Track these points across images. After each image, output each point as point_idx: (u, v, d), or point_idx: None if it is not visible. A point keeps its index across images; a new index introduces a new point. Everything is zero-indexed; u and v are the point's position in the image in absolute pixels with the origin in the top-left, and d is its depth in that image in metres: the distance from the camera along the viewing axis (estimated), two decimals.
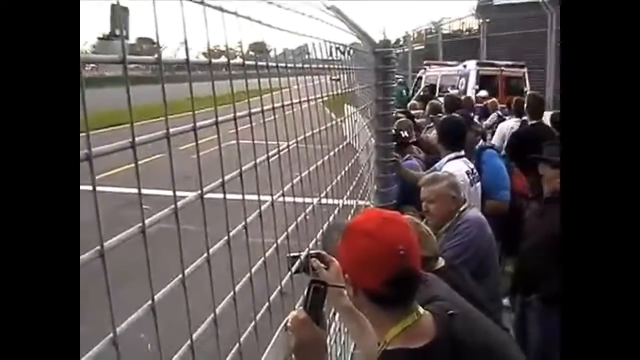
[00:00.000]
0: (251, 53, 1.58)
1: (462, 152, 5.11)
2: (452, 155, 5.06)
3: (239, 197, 1.35)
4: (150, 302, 1.00)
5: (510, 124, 9.43)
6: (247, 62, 1.53)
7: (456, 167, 4.70)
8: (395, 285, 1.67)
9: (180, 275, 1.08)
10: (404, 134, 6.20)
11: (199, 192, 1.14)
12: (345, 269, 1.80)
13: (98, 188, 0.88)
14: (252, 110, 1.50)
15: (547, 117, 10.30)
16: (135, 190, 0.98)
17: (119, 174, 7.15)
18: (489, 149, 5.91)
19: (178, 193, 1.08)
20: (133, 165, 0.98)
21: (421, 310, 1.77)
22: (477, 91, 16.08)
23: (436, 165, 5.02)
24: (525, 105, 9.55)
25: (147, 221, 0.95)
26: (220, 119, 1.26)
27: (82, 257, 0.82)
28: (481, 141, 6.14)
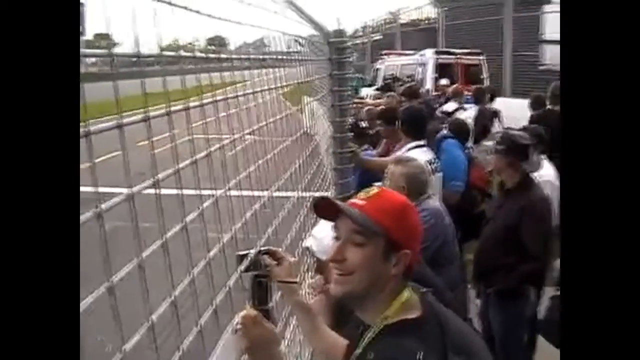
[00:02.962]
0: (210, 47, 1.54)
1: (423, 142, 5.12)
2: (413, 144, 5.07)
3: (182, 192, 1.30)
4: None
5: (471, 113, 9.49)
6: (199, 55, 1.50)
7: (416, 156, 4.68)
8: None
9: (107, 282, 1.01)
10: (363, 124, 6.19)
11: (130, 190, 1.07)
12: (409, 243, 1.79)
13: None
14: (204, 102, 1.44)
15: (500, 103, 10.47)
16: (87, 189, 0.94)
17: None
18: (450, 138, 5.92)
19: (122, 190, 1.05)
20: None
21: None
22: (437, 80, 16.15)
23: (397, 154, 5.01)
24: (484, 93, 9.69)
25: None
26: (153, 113, 1.19)
27: None
28: (443, 130, 6.13)
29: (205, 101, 1.46)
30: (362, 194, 1.84)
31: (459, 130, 6.31)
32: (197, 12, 1.39)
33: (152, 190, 1.18)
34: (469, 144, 6.56)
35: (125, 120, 1.03)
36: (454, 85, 13.29)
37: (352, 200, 1.83)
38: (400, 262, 1.75)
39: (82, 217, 0.91)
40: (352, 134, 4.36)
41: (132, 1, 1.08)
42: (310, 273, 2.94)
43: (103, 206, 0.96)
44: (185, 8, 1.33)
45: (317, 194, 3.43)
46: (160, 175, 1.20)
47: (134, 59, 1.16)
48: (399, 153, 4.99)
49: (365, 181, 5.14)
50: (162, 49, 1.27)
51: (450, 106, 10.32)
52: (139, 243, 1.11)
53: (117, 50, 1.06)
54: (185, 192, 1.31)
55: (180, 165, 1.28)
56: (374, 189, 1.85)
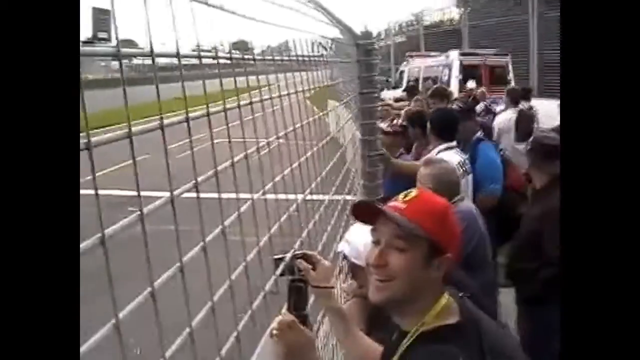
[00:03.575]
0: (234, 51, 1.53)
1: (454, 143, 5.06)
2: (443, 146, 5.01)
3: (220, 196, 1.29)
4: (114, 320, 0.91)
5: (509, 115, 9.39)
6: (234, 57, 1.50)
7: (447, 158, 4.63)
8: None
9: (149, 288, 1.00)
10: (397, 121, 6.14)
11: (169, 194, 1.05)
12: (450, 248, 1.76)
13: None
14: (229, 106, 1.42)
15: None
16: (118, 192, 0.93)
17: (102, 176, 7.08)
18: (486, 141, 5.84)
19: (159, 194, 1.03)
20: (116, 167, 0.92)
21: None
22: (464, 81, 16.03)
23: (427, 156, 4.96)
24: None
25: (110, 229, 0.86)
26: (192, 114, 1.17)
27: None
28: (479, 132, 6.03)
29: (229, 105, 1.43)
30: (401, 196, 1.81)
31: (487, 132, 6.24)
32: (233, 12, 1.37)
33: (188, 194, 1.17)
34: (501, 145, 6.48)
35: (165, 122, 1.01)
36: (481, 88, 13.25)
37: (392, 203, 1.79)
38: (442, 266, 1.73)
39: (125, 220, 0.90)
40: (385, 135, 4.33)
41: (155, 5, 1.07)
42: (343, 277, 2.91)
43: (145, 210, 0.95)
44: (221, 8, 1.31)
45: (348, 197, 3.40)
46: (199, 179, 1.18)
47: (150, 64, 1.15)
48: (428, 155, 4.93)
49: (397, 185, 5.12)
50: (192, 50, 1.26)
51: (479, 107, 10.24)
52: (178, 247, 1.09)
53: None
54: (222, 195, 1.29)
55: (219, 167, 1.26)
56: (412, 192, 1.81)
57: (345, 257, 2.70)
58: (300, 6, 2.39)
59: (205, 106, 1.24)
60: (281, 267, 1.96)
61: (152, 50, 0.99)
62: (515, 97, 10.32)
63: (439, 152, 4.94)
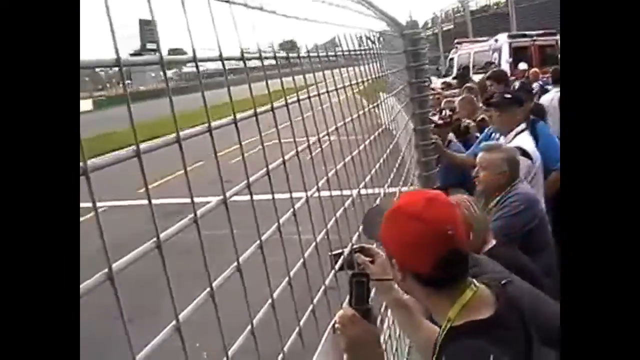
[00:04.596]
0: (282, 52, 1.54)
1: (523, 126, 5.00)
2: (519, 128, 4.95)
3: (274, 195, 1.30)
4: (175, 322, 0.92)
5: (551, 95, 9.20)
6: (278, 56, 1.50)
7: (526, 141, 4.73)
8: (446, 266, 1.61)
9: (208, 289, 1.01)
10: (445, 112, 6.12)
11: (222, 197, 1.06)
12: (393, 254, 1.71)
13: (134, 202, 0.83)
14: (276, 105, 1.42)
15: None
16: (171, 200, 0.94)
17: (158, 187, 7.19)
18: (540, 121, 5.76)
19: (214, 198, 1.04)
20: (166, 178, 0.94)
21: (477, 283, 1.71)
22: (514, 64, 15.81)
23: (503, 140, 4.92)
24: None
25: (163, 235, 0.88)
26: (239, 115, 1.18)
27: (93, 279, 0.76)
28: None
29: (276, 104, 1.43)
30: None
31: (539, 114, 6.12)
32: (273, 12, 1.38)
33: (240, 197, 1.18)
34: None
35: (213, 124, 1.02)
36: (533, 69, 13.05)
37: None
38: (398, 274, 1.73)
39: (179, 225, 0.91)
40: (434, 125, 4.32)
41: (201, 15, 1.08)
42: None
43: (198, 212, 0.96)
44: (261, 9, 1.32)
45: (404, 189, 3.39)
46: (251, 178, 1.19)
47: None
48: (505, 138, 4.94)
49: (451, 174, 5.09)
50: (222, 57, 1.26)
51: (534, 88, 10.06)
52: (235, 248, 1.11)
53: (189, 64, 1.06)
54: (276, 195, 1.29)
55: (271, 167, 1.27)
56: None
57: None
58: (345, 2, 2.39)
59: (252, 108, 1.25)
60: (340, 261, 1.97)
61: (195, 56, 1.00)
62: (557, 77, 10.10)
63: (516, 134, 4.89)
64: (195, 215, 0.95)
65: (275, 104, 1.38)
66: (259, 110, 1.28)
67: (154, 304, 4.78)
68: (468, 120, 6.84)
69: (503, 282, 1.75)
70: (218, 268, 1.11)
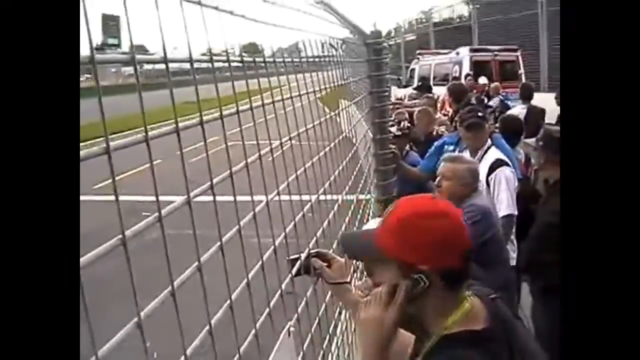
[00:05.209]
0: (244, 54, 1.54)
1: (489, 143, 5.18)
2: (488, 144, 5.13)
3: (236, 198, 1.31)
4: (137, 317, 0.93)
5: (517, 111, 9.39)
6: (245, 60, 1.51)
7: (500, 154, 5.12)
8: (468, 258, 1.67)
9: (170, 287, 1.02)
10: (404, 124, 6.19)
11: (186, 196, 1.07)
12: (422, 259, 1.65)
13: (98, 197, 0.82)
14: (241, 108, 1.43)
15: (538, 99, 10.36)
16: (134, 198, 0.95)
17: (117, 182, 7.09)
18: (497, 133, 5.87)
19: (174, 197, 1.05)
20: (131, 172, 0.94)
21: (470, 294, 1.73)
22: (474, 78, 16.01)
23: (466, 153, 5.05)
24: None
25: (128, 232, 0.88)
26: (206, 117, 1.19)
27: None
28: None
29: (242, 108, 1.44)
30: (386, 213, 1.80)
31: (511, 128, 6.23)
32: (242, 16, 1.39)
33: (203, 198, 1.19)
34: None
35: (181, 125, 1.03)
36: (495, 83, 13.28)
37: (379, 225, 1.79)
38: (431, 277, 1.66)
39: (144, 221, 0.92)
40: (393, 136, 4.37)
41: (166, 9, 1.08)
42: (358, 275, 2.93)
43: (163, 212, 0.97)
44: (231, 13, 1.33)
45: (361, 196, 3.42)
46: (215, 180, 1.20)
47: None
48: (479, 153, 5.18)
49: (407, 184, 5.15)
50: (203, 54, 1.27)
51: (494, 102, 10.25)
52: (197, 248, 1.12)
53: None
54: (237, 198, 1.30)
55: (234, 169, 1.29)
56: (390, 208, 1.79)
57: None
58: (310, 8, 2.41)
59: (217, 109, 1.26)
60: (297, 266, 1.99)
61: (165, 57, 1.01)
62: (528, 93, 10.32)
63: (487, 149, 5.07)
64: (160, 214, 0.96)
65: (241, 108, 1.40)
66: (225, 112, 1.29)
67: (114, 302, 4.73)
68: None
69: (492, 296, 1.76)
70: (180, 265, 1.12)
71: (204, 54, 1.28)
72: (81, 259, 0.78)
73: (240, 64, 1.48)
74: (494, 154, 5.09)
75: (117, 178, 0.86)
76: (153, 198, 0.98)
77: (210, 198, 1.23)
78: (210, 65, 1.28)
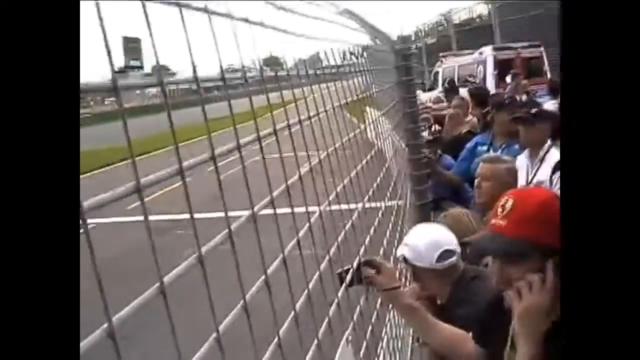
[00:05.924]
0: (265, 68, 1.53)
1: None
2: (548, 143, 5.02)
3: (288, 210, 1.31)
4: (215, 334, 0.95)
5: (550, 106, 9.27)
6: (280, 75, 1.50)
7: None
8: None
9: (242, 302, 1.03)
10: (434, 128, 6.18)
11: (250, 210, 1.09)
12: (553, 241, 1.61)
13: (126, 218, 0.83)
14: (278, 127, 1.42)
15: None
16: (164, 217, 0.95)
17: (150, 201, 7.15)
18: None
19: (211, 215, 1.06)
20: (158, 193, 0.94)
21: None
22: (499, 76, 15.85)
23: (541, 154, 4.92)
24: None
25: (203, 249, 0.90)
26: (243, 141, 1.20)
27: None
28: None
29: (279, 126, 1.42)
30: (499, 211, 1.81)
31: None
32: (261, 24, 1.36)
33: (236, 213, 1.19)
34: None
35: (217, 151, 1.00)
36: (523, 81, 13.14)
37: (493, 221, 1.81)
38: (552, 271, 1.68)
39: (217, 238, 0.93)
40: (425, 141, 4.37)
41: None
42: (404, 281, 2.93)
43: (232, 226, 0.98)
44: (246, 20, 1.30)
45: (399, 202, 3.42)
46: (274, 194, 1.21)
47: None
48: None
49: (441, 188, 5.13)
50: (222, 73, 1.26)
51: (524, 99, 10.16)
52: (263, 263, 1.13)
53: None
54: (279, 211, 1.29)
55: (289, 181, 1.30)
56: (508, 201, 1.80)
57: (405, 260, 2.71)
58: (333, 16, 2.41)
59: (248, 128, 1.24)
60: (348, 277, 1.99)
61: (196, 78, 1.01)
62: (556, 88, 10.21)
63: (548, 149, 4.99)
64: (230, 229, 0.97)
65: (278, 126, 1.38)
66: (262, 133, 1.27)
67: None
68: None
69: None
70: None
71: (229, 70, 1.26)
72: (164, 277, 0.79)
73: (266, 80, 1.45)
74: (557, 155, 4.84)
75: (148, 198, 0.86)
76: (179, 216, 0.98)
77: (268, 211, 1.23)
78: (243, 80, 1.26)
